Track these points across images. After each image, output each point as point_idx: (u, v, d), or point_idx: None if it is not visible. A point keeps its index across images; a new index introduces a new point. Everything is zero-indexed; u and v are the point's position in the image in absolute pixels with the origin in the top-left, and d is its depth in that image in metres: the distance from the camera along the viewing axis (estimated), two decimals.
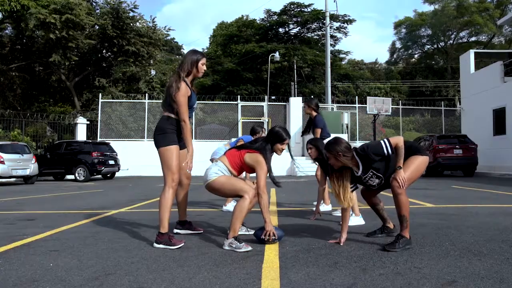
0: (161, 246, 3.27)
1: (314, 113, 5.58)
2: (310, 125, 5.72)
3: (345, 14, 34.52)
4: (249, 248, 3.16)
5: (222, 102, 22.45)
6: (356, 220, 4.37)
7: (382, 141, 3.24)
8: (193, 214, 5.35)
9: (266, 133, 5.58)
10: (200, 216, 5.13)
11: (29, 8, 19.36)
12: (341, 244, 3.32)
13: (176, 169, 3.41)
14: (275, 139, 3.46)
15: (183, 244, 3.30)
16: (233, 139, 6.51)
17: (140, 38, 22.64)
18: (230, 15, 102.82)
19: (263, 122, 19.49)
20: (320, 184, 5.10)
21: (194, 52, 3.57)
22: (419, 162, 3.29)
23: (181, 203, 3.89)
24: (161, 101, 20.56)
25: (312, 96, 24.03)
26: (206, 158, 22.26)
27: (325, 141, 5.61)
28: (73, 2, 20.08)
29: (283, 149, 3.51)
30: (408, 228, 3.22)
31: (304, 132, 5.88)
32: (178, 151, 3.47)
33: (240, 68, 34.37)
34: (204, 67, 3.55)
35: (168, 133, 3.44)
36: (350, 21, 35.35)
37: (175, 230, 3.88)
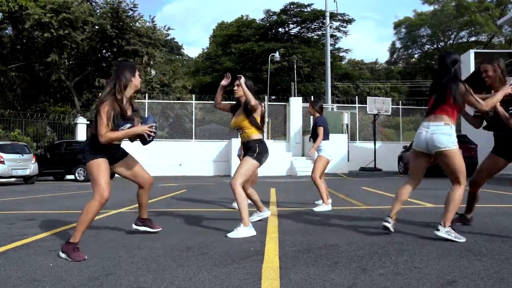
0: (63, 256, 3.00)
1: (317, 114, 5.83)
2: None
3: (343, 13, 34.56)
4: (463, 239, 3.30)
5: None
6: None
7: None
8: (193, 214, 5.35)
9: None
10: (200, 216, 5.12)
11: (27, 8, 19.38)
12: None
13: (103, 182, 3.16)
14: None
15: (83, 259, 2.93)
16: None
17: (140, 38, 22.63)
18: (230, 15, 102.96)
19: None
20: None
21: (130, 66, 3.38)
22: None
23: (143, 204, 3.78)
24: (161, 101, 20.57)
25: (313, 97, 23.98)
26: (206, 158, 22.05)
27: (324, 143, 5.71)
28: (70, 1, 20.10)
29: None
30: None
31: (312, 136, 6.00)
32: (106, 164, 3.26)
33: (239, 67, 34.38)
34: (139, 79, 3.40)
35: (94, 149, 3.25)
36: (349, 21, 35.37)
37: (134, 226, 3.86)
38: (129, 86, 3.32)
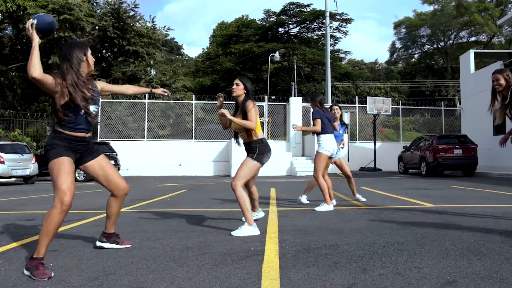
0: (26, 273, 2.57)
1: (315, 108, 5.65)
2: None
3: (343, 13, 34.62)
4: None
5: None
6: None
7: None
8: (193, 214, 5.35)
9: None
10: (200, 216, 5.12)
11: (26, 8, 19.36)
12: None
13: (64, 187, 2.69)
14: None
15: (48, 277, 2.50)
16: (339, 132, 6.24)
17: (140, 38, 22.64)
18: (231, 14, 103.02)
19: (263, 122, 19.48)
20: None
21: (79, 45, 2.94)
22: None
23: (112, 216, 3.24)
24: (161, 101, 20.57)
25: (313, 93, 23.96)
26: (206, 158, 22.02)
27: (325, 136, 5.57)
28: (72, 2, 20.08)
29: None
30: None
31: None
32: (69, 164, 2.80)
33: (239, 68, 34.39)
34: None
35: (58, 146, 2.82)
36: (348, 20, 35.41)
37: (98, 243, 3.28)
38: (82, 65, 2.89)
